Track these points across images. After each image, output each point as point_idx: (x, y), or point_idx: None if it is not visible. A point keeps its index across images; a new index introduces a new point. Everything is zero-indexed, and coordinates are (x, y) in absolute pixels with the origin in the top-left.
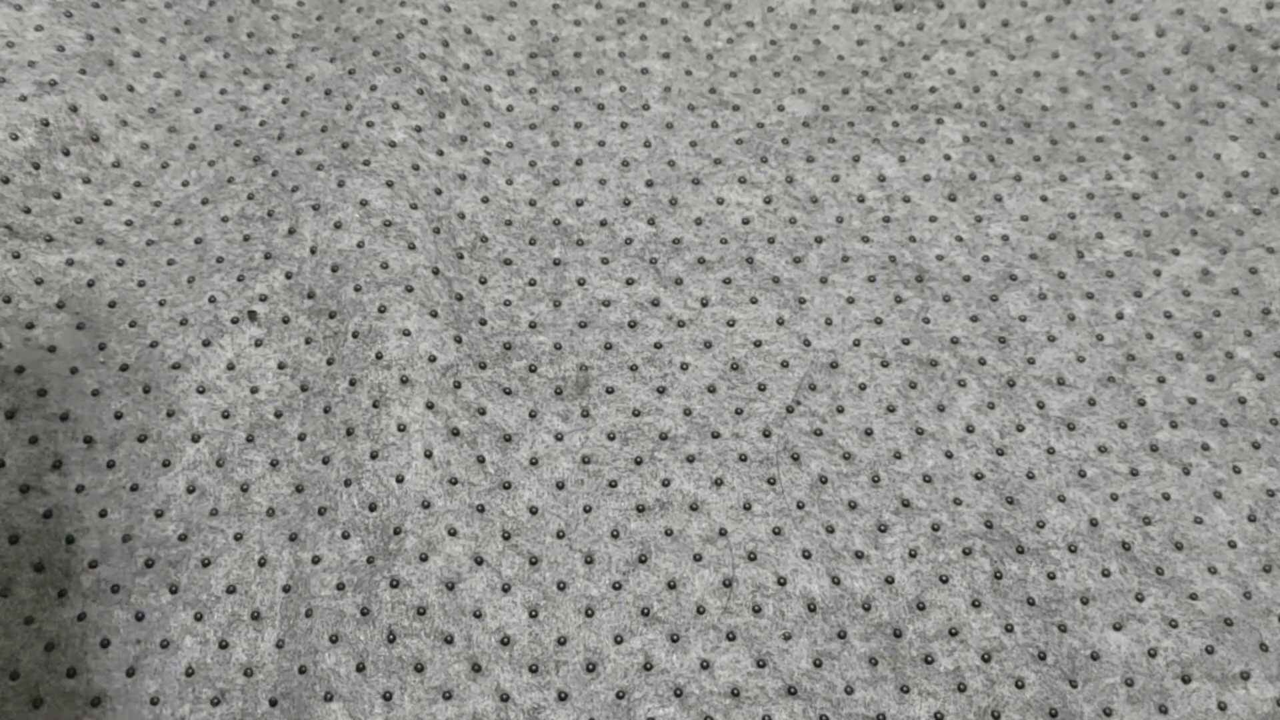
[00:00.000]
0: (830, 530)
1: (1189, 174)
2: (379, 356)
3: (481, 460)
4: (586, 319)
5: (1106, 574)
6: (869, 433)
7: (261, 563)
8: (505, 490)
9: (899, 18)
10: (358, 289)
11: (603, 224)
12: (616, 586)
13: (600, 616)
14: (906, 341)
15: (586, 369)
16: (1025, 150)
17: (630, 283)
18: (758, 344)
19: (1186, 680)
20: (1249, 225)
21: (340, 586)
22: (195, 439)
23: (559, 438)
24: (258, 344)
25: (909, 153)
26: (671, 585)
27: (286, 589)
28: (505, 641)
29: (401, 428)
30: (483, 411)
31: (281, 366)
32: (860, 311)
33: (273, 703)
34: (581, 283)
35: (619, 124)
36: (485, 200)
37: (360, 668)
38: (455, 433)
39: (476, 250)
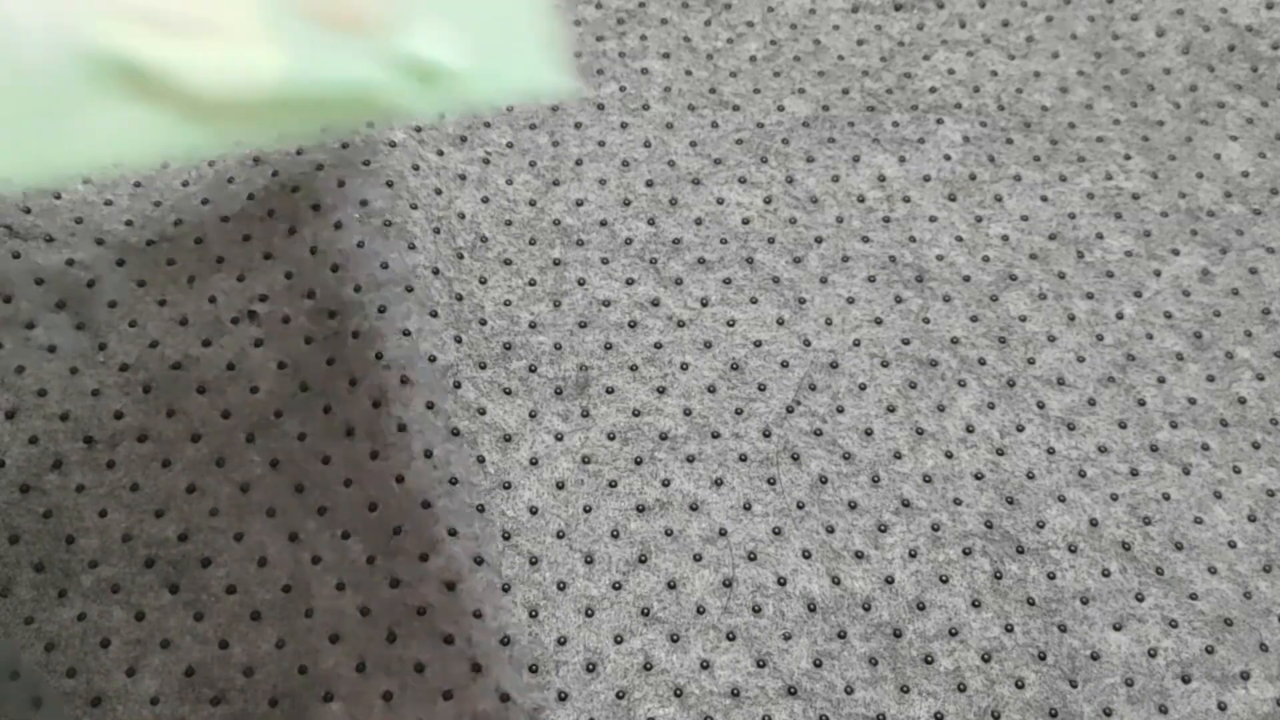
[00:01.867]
0: (830, 530)
1: (1189, 174)
2: (379, 356)
3: (481, 460)
4: (586, 319)
5: (1106, 574)
6: (869, 433)
7: (261, 563)
8: (505, 490)
9: (899, 18)
10: (358, 289)
11: (603, 224)
12: (616, 586)
13: (600, 616)
14: (906, 341)
15: (586, 369)
16: (1025, 150)
17: (630, 283)
18: (758, 344)
19: (1186, 680)
20: (1249, 225)
21: (340, 586)
22: (195, 439)
23: (559, 438)
24: (257, 344)
25: (909, 153)
26: (671, 585)
27: (286, 589)
28: (505, 641)
29: (401, 428)
30: (483, 411)
31: (281, 366)
32: (860, 311)
33: (273, 703)
34: (581, 283)
35: (619, 124)
36: (485, 200)
37: (360, 668)
38: (455, 433)
39: (476, 250)
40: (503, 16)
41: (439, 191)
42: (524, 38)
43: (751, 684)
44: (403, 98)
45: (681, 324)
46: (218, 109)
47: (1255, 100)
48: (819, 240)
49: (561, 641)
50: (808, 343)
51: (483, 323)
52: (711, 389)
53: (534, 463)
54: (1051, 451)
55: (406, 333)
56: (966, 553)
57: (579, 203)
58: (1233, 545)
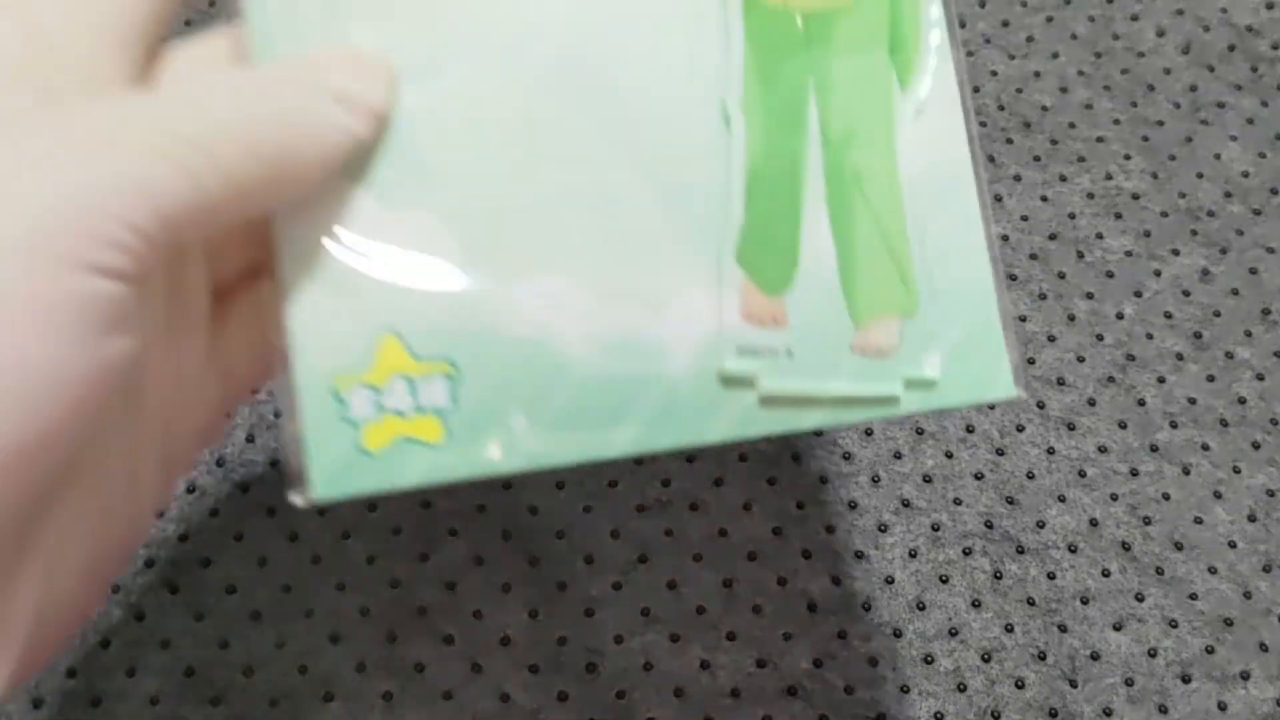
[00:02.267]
0: (830, 530)
1: (1189, 174)
2: None
3: None
4: None
5: (1106, 574)
6: (869, 433)
7: (261, 563)
8: (505, 490)
9: None
10: None
11: None
12: (616, 586)
13: (600, 616)
14: None
15: None
16: (1025, 150)
17: None
18: None
19: (1186, 680)
20: (1249, 225)
21: (340, 586)
22: None
23: None
24: None
25: None
26: (671, 585)
27: (286, 589)
28: (505, 641)
29: None
30: None
31: None
32: None
33: (273, 703)
34: None
35: None
36: None
37: (360, 668)
38: None
39: None
40: (974, 337)
41: None
42: (985, 352)
43: (751, 684)
44: (900, 401)
45: None
46: (779, 402)
47: (1255, 100)
48: None
49: (561, 641)
50: None
51: None
52: None
53: None
54: (1051, 451)
55: None
56: (966, 553)
57: None
58: (1233, 545)
